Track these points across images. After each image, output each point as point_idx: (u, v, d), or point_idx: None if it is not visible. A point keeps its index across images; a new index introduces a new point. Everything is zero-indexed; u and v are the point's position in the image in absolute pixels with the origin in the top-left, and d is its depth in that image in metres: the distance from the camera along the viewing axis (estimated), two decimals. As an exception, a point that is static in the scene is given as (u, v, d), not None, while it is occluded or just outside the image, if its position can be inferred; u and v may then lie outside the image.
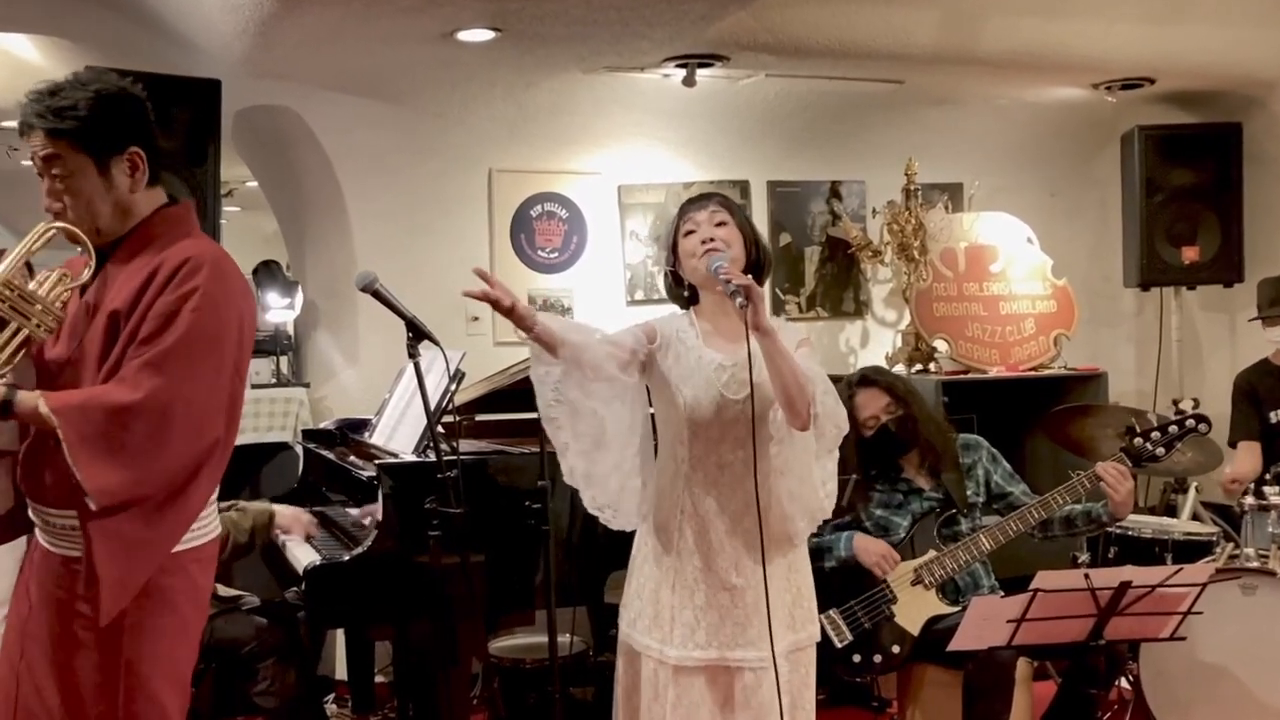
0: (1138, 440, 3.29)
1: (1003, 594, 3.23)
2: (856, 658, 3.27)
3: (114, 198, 2.13)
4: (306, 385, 4.81)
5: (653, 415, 2.58)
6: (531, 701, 3.75)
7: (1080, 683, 3.17)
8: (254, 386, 4.43)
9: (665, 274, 2.63)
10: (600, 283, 5.12)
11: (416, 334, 2.50)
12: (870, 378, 3.52)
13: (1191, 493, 4.33)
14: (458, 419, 3.33)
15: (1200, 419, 3.29)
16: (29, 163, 2.17)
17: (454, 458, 2.84)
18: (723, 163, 5.26)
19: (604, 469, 2.44)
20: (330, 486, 3.82)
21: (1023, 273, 5.11)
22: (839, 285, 5.46)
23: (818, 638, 2.58)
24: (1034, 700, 3.37)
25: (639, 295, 5.17)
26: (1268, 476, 3.79)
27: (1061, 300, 5.11)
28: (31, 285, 2.10)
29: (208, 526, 2.21)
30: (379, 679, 4.09)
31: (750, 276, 2.40)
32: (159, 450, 2.02)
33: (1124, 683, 3.66)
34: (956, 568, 3.30)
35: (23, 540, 2.29)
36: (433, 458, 2.61)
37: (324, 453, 3.85)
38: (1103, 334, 5.62)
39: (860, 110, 5.03)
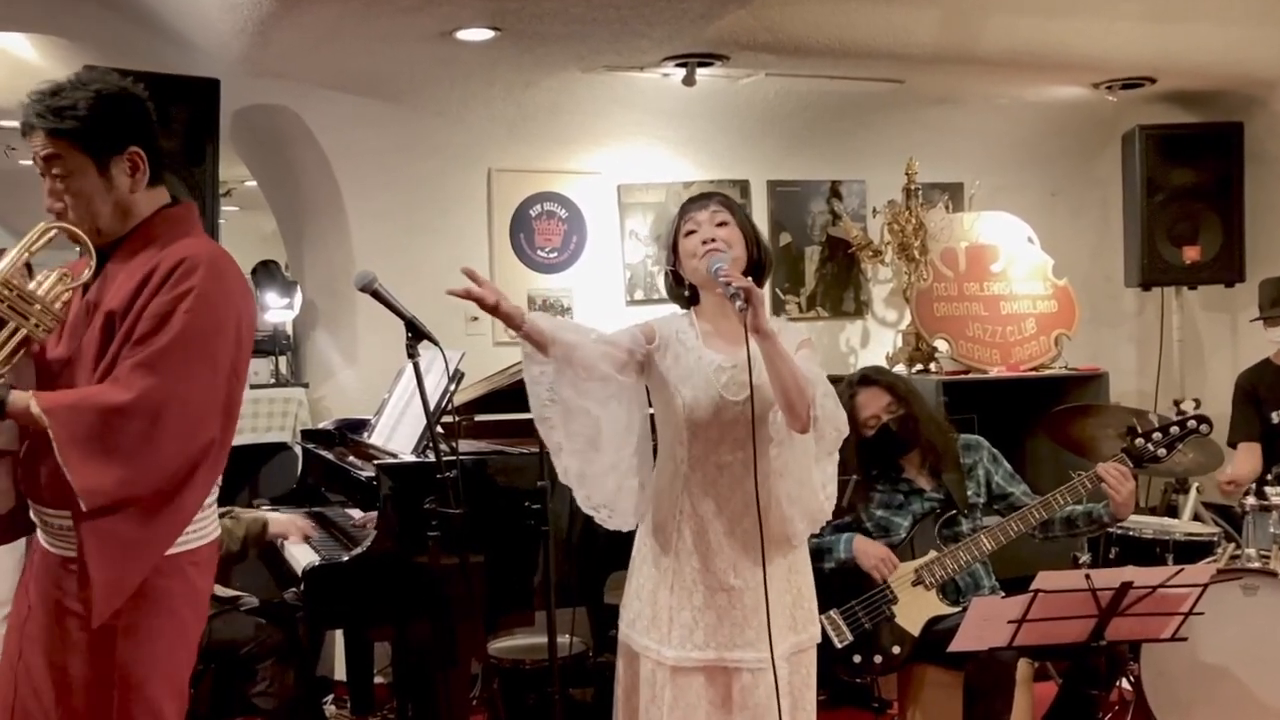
0: (1139, 441, 3.28)
1: (1003, 594, 3.22)
2: (857, 658, 3.27)
3: (114, 198, 2.12)
4: (305, 385, 4.80)
5: (652, 416, 2.57)
6: (531, 702, 3.74)
7: (1081, 683, 3.16)
8: (252, 386, 4.42)
9: (666, 274, 2.62)
10: (600, 283, 5.11)
11: (416, 334, 2.50)
12: (871, 377, 3.52)
13: (1193, 493, 4.33)
14: (457, 419, 3.32)
15: (1201, 420, 3.29)
16: (27, 162, 2.17)
17: (453, 458, 2.84)
18: (723, 162, 5.26)
19: (599, 469, 2.43)
20: (329, 487, 3.82)
21: (1023, 272, 5.11)
22: (839, 285, 5.46)
23: (819, 639, 2.58)
24: (1035, 701, 3.36)
25: (639, 295, 5.17)
26: (1269, 477, 3.78)
27: (1062, 300, 5.11)
28: (31, 285, 2.10)
29: (206, 528, 2.20)
30: (378, 680, 4.08)
31: (750, 278, 2.40)
32: (151, 451, 2.01)
33: (1125, 683, 3.65)
34: (957, 568, 3.29)
35: (22, 541, 2.29)
36: (432, 458, 2.60)
37: (323, 453, 3.85)
38: (1104, 334, 5.62)
39: (860, 109, 5.02)
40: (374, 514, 3.13)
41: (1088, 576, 2.80)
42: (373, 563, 3.01)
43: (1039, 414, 4.46)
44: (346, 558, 3.04)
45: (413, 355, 2.50)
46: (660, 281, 5.01)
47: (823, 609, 2.68)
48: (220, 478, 2.24)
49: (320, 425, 4.30)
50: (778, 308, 5.26)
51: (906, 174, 5.00)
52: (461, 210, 4.89)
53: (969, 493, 3.40)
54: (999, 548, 3.29)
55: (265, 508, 3.76)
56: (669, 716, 2.42)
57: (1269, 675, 3.36)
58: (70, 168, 2.09)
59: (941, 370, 4.94)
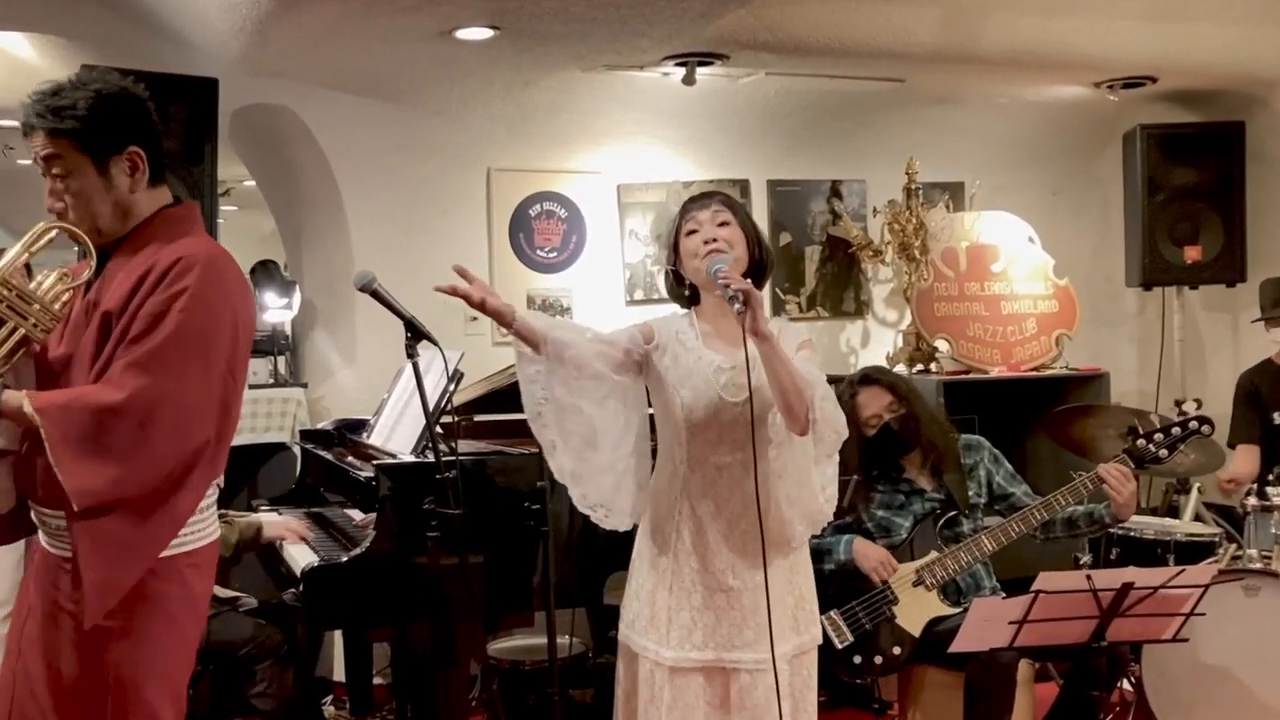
0: (1140, 442, 3.28)
1: (1004, 595, 3.22)
2: (857, 659, 3.26)
3: (114, 197, 2.12)
4: (304, 385, 4.80)
5: (652, 416, 2.56)
6: (531, 703, 3.74)
7: (1082, 684, 3.15)
8: (251, 387, 4.41)
9: (666, 273, 2.62)
10: (599, 282, 5.10)
11: (415, 334, 2.50)
12: (872, 376, 3.52)
13: (1194, 494, 4.32)
14: (456, 419, 3.32)
15: (1203, 420, 3.28)
16: (26, 162, 2.17)
17: (453, 458, 2.82)
18: (722, 162, 5.25)
19: (594, 468, 2.43)
20: (328, 487, 3.81)
21: (1024, 272, 5.10)
22: (839, 285, 5.45)
23: (820, 640, 2.57)
24: (1036, 702, 3.35)
25: (638, 295, 5.16)
26: (1270, 477, 3.77)
27: (1063, 300, 5.10)
28: (31, 285, 2.10)
29: (204, 530, 2.19)
30: (377, 680, 4.08)
31: (750, 280, 2.39)
32: (143, 451, 2.00)
33: (1126, 684, 3.64)
34: (958, 569, 3.28)
35: (23, 540, 2.29)
36: (431, 458, 2.59)
37: (322, 453, 3.84)
38: (1104, 334, 5.61)
39: (861, 109, 5.02)
40: (374, 515, 3.12)
41: (1089, 577, 2.79)
42: (372, 563, 3.00)
43: (1040, 414, 4.45)
44: (345, 558, 3.04)
45: (412, 355, 2.50)
46: (660, 281, 5.03)
47: (823, 609, 2.67)
48: (221, 479, 2.24)
49: (319, 425, 4.29)
50: (778, 308, 5.25)
51: (907, 173, 4.99)
52: (461, 210, 4.89)
53: (970, 493, 3.39)
54: (1000, 548, 3.28)
55: (264, 508, 3.76)
56: (667, 717, 2.42)
57: (1270, 676, 3.35)
58: (70, 167, 2.09)
59: (942, 370, 4.94)
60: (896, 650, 3.26)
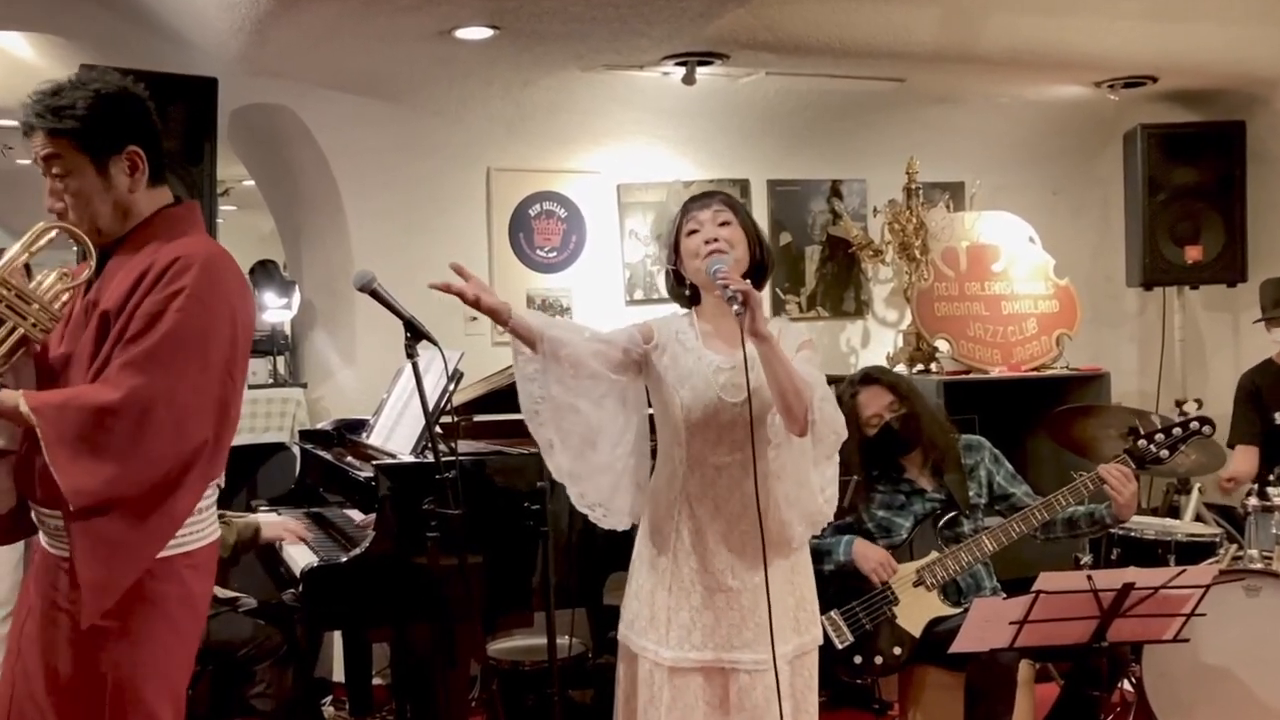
0: (1141, 442, 3.27)
1: (1005, 595, 3.22)
2: (857, 659, 3.26)
3: (113, 197, 2.12)
4: (303, 385, 4.79)
5: (652, 416, 2.56)
6: (530, 704, 3.73)
7: (1083, 685, 3.14)
8: (250, 387, 4.41)
9: (667, 273, 2.61)
10: (599, 282, 5.10)
11: (414, 334, 2.49)
12: (873, 376, 3.52)
13: (1194, 494, 4.31)
14: (456, 419, 3.31)
15: (1204, 421, 3.28)
16: (25, 161, 2.17)
17: (452, 458, 2.82)
18: (722, 161, 5.25)
19: (591, 467, 2.43)
20: (328, 487, 3.80)
21: (1025, 272, 5.09)
22: (840, 285, 5.44)
23: (821, 641, 2.57)
24: (1036, 702, 3.34)
25: (638, 295, 5.15)
26: (1271, 477, 3.77)
27: (1064, 300, 5.09)
28: (31, 285, 2.10)
29: (203, 531, 2.18)
30: (377, 681, 4.07)
31: (749, 281, 2.39)
32: (139, 451, 2.00)
33: (1127, 685, 3.64)
34: (959, 569, 3.28)
35: (22, 540, 2.29)
36: (431, 458, 2.59)
37: (321, 453, 3.83)
38: (1105, 334, 5.61)
39: (861, 108, 5.01)
40: (374, 516, 3.11)
41: (1089, 578, 2.79)
42: (371, 564, 3.00)
43: (1040, 414, 4.45)
44: (345, 559, 3.03)
45: (411, 355, 2.50)
46: (660, 281, 5.04)
47: (823, 610, 2.67)
48: (222, 479, 2.24)
49: (318, 425, 4.29)
50: (778, 308, 5.24)
51: (907, 173, 4.99)
52: (460, 210, 4.88)
53: (970, 493, 3.39)
54: (1001, 549, 3.28)
55: (263, 509, 3.76)
56: (667, 717, 2.41)
57: (1271, 676, 3.34)
58: (69, 167, 2.09)
59: (942, 370, 4.93)
60: (897, 650, 3.25)
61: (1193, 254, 4.97)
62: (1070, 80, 4.83)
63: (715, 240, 2.44)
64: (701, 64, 4.31)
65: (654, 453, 2.58)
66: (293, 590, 3.07)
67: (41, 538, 2.16)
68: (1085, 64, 4.58)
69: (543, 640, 3.13)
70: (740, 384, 2.33)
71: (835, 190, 5.42)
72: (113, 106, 2.11)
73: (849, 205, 5.40)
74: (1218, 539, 3.82)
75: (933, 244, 4.99)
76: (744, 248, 2.48)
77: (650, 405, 2.55)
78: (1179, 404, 4.41)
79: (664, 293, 2.68)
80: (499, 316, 2.33)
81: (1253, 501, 3.66)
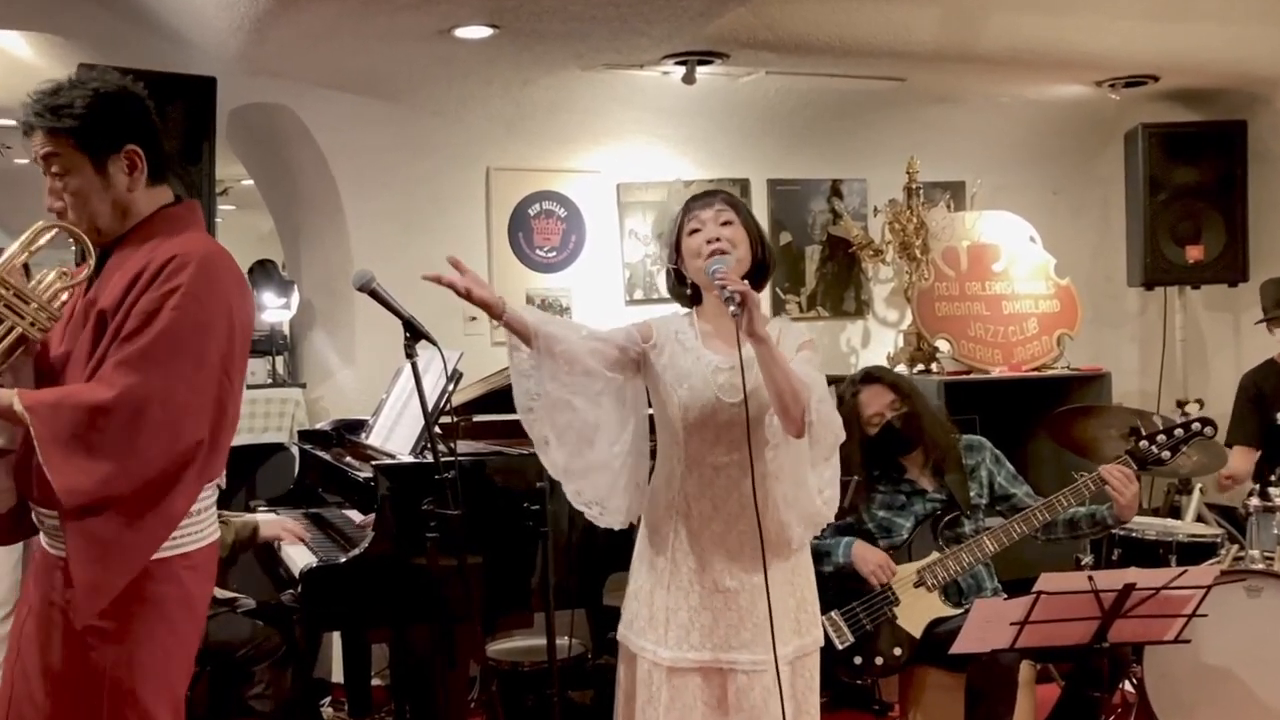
0: (1143, 443, 3.27)
1: (1006, 596, 3.21)
2: (857, 660, 3.25)
3: (112, 196, 2.12)
4: (302, 386, 4.79)
5: (652, 416, 2.55)
6: (530, 704, 3.72)
7: (1084, 685, 3.14)
8: (249, 387, 4.41)
9: (668, 272, 2.60)
10: (599, 282, 5.09)
11: (414, 334, 2.49)
12: (874, 375, 3.52)
13: (1196, 494, 4.30)
14: (455, 420, 3.30)
15: (1206, 422, 3.27)
16: (23, 161, 2.18)
17: (452, 459, 2.82)
18: (723, 161, 5.24)
19: (587, 465, 2.42)
20: (326, 488, 3.80)
21: (1025, 272, 5.09)
22: (840, 285, 5.44)
23: (822, 642, 2.56)
24: (1037, 703, 3.34)
25: (638, 295, 5.15)
26: (1272, 478, 3.76)
27: (1064, 300, 5.09)
28: (31, 284, 2.11)
29: (202, 531, 2.17)
30: (376, 682, 4.06)
31: (747, 282, 2.38)
32: (133, 450, 1.99)
33: (1128, 685, 3.63)
34: (960, 570, 3.27)
35: (21, 542, 2.29)
36: (430, 459, 2.58)
37: (320, 454, 3.82)
38: (1106, 334, 5.60)
39: (861, 108, 5.00)
40: (373, 516, 3.11)
41: (1090, 578, 2.78)
42: (370, 564, 2.99)
43: (1041, 414, 4.44)
44: (344, 559, 3.02)
45: (411, 355, 2.49)
46: (660, 281, 5.04)
47: (824, 610, 2.66)
48: (223, 479, 2.23)
49: (317, 426, 4.28)
50: (778, 307, 5.24)
51: (908, 173, 4.98)
52: (460, 209, 4.87)
53: (971, 494, 3.38)
54: (1002, 549, 3.27)
55: (262, 509, 3.75)
56: (665, 717, 2.41)
57: (1272, 677, 3.34)
58: (68, 166, 2.09)
59: (943, 370, 4.92)
60: (897, 651, 3.25)
61: (1194, 254, 4.97)
62: (1071, 79, 4.82)
63: (717, 240, 2.43)
64: (701, 63, 4.30)
65: (654, 453, 2.57)
66: (291, 591, 3.06)
67: (42, 538, 2.16)
68: (1086, 63, 4.57)
69: (542, 641, 3.13)
70: (738, 384, 2.33)
71: (835, 190, 5.41)
72: (111, 105, 2.11)
73: (849, 205, 5.40)
74: (1219, 539, 3.82)
75: (933, 244, 4.98)
76: (746, 247, 2.47)
77: (650, 405, 2.54)
78: (1181, 404, 4.37)
79: (664, 292, 2.68)
80: (493, 310, 2.33)
81: (1254, 502, 3.66)
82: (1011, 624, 2.79)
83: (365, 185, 4.70)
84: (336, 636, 4.06)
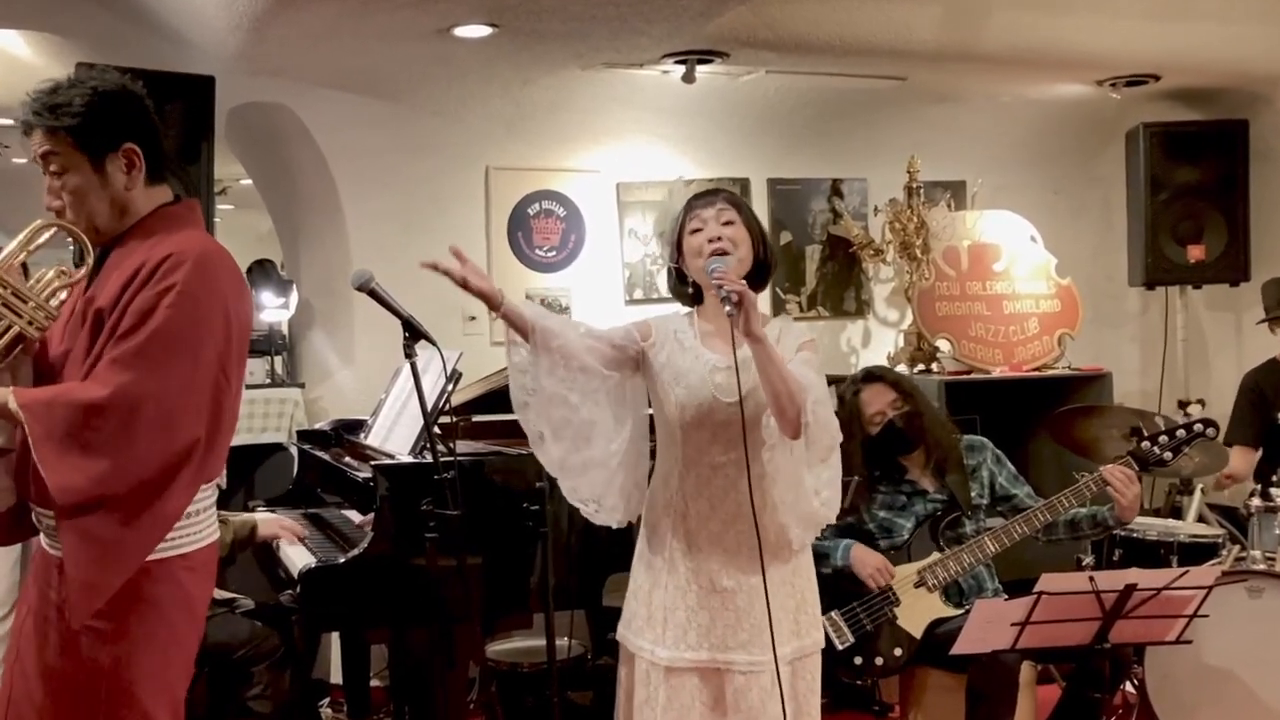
0: (1145, 444, 3.26)
1: (1007, 597, 3.20)
2: (858, 660, 3.24)
3: (110, 195, 2.12)
4: (301, 385, 4.78)
5: (653, 415, 2.54)
6: (529, 705, 3.72)
7: (1085, 686, 3.13)
8: (248, 387, 4.37)
9: (669, 270, 2.59)
10: (598, 282, 5.08)
11: (413, 334, 2.49)
12: (875, 374, 3.52)
13: (1197, 495, 4.30)
14: (455, 420, 3.30)
15: (1208, 423, 3.27)
16: (21, 160, 2.18)
17: (451, 459, 2.81)
18: (723, 160, 5.23)
19: (584, 462, 2.41)
20: (325, 488, 3.79)
21: (1026, 271, 5.08)
22: (840, 284, 5.43)
23: (823, 644, 2.55)
24: (1038, 704, 3.33)
25: (637, 294, 5.14)
26: (1274, 478, 3.75)
27: (1065, 299, 5.08)
28: (30, 283, 2.11)
29: (201, 532, 2.16)
30: (375, 683, 4.05)
31: (754, 280, 2.37)
32: (127, 448, 1.98)
33: (1129, 686, 3.63)
34: (961, 570, 3.26)
35: (20, 543, 2.28)
36: (429, 459, 2.58)
37: (319, 454, 3.82)
38: (1107, 334, 5.59)
39: (862, 107, 5.00)
40: (372, 516, 3.10)
41: (1092, 579, 2.77)
42: (369, 565, 2.98)
43: (1042, 415, 4.43)
44: (343, 559, 3.02)
45: (410, 355, 2.49)
46: (659, 280, 5.03)
47: (824, 610, 2.65)
48: (223, 479, 2.22)
49: (316, 426, 4.27)
50: (778, 307, 5.23)
51: (908, 172, 4.97)
52: (459, 209, 4.86)
53: (972, 494, 3.37)
54: (1003, 550, 3.26)
55: (260, 509, 3.74)
56: (662, 717, 2.40)
57: (1274, 678, 3.33)
58: (66, 164, 2.09)
59: (943, 370, 4.91)
60: (897, 652, 3.24)
61: (1195, 253, 4.96)
62: (1072, 79, 4.81)
63: (718, 239, 2.42)
64: (701, 62, 4.30)
65: (654, 453, 2.56)
66: (290, 591, 3.05)
67: (42, 538, 2.16)
68: (1087, 63, 4.57)
69: (541, 642, 3.12)
70: (736, 384, 2.31)
71: (836, 189, 5.41)
72: (110, 104, 2.11)
73: (850, 204, 5.39)
74: (1220, 540, 3.81)
75: (934, 243, 4.97)
76: (747, 247, 2.46)
77: (650, 405, 2.54)
78: (1183, 405, 4.38)
79: (663, 292, 2.68)
80: (491, 302, 2.32)
81: (1255, 502, 3.65)
82: (1012, 625, 2.78)
83: (364, 185, 4.69)
84: (335, 637, 4.05)
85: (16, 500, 2.16)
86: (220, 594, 3.36)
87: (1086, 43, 4.32)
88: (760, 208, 5.25)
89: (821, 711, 2.56)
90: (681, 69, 4.33)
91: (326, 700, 4.13)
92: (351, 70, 4.30)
